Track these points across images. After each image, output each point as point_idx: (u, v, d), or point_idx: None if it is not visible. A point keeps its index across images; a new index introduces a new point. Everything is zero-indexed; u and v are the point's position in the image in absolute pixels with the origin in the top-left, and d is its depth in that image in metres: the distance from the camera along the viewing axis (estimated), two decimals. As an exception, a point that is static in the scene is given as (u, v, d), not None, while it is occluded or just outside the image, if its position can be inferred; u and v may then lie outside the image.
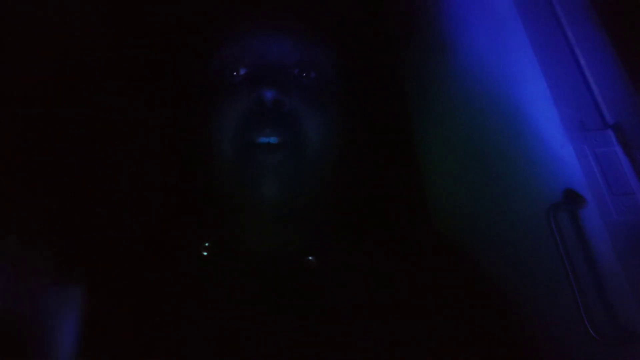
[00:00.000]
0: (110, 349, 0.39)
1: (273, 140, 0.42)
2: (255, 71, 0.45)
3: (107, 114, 0.59)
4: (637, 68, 0.40)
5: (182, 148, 0.51)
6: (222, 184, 0.45)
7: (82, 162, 0.59)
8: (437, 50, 0.59)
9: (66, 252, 0.46)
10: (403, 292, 0.45)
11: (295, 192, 0.43)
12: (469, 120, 0.53)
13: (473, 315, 0.46)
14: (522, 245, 0.45)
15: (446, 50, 0.57)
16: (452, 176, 0.59)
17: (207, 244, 0.46)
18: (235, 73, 0.45)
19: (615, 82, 0.39)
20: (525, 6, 0.43)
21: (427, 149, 0.67)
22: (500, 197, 0.48)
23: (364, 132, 0.55)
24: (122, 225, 0.51)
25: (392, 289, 0.45)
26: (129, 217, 0.51)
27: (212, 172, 0.45)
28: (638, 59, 0.41)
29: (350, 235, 0.51)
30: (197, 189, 0.49)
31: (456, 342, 0.43)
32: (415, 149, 0.70)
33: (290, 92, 0.43)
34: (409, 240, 0.53)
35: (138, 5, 0.62)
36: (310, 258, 0.45)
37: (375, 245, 0.50)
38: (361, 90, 0.54)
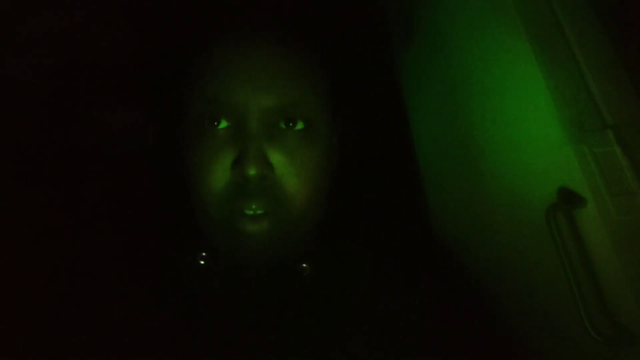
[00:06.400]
0: (109, 358, 0.39)
1: (259, 212, 0.40)
2: (237, 128, 0.41)
3: (107, 120, 0.59)
4: (637, 68, 0.40)
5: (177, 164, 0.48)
6: (208, 225, 0.43)
7: (81, 169, 0.59)
8: (436, 50, 0.59)
9: (64, 260, 0.46)
10: (401, 294, 0.45)
11: (283, 243, 0.42)
12: (468, 121, 0.53)
13: (472, 316, 0.46)
14: (522, 245, 0.45)
15: (445, 50, 0.57)
16: (451, 176, 0.59)
17: (204, 254, 0.46)
18: (215, 123, 0.41)
19: (614, 82, 0.39)
20: (525, 6, 0.43)
21: (426, 150, 0.67)
22: (499, 198, 0.48)
23: (360, 142, 0.54)
24: (118, 231, 0.51)
25: (389, 292, 0.45)
26: (125, 224, 0.51)
27: (198, 208, 0.43)
28: (638, 59, 0.41)
29: (345, 241, 0.51)
30: (192, 204, 0.48)
31: (456, 343, 0.43)
32: (413, 150, 0.70)
33: (273, 159, 0.40)
34: (406, 241, 0.53)
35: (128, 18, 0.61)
36: (303, 265, 0.46)
37: (372, 249, 0.50)
38: (358, 97, 0.54)
